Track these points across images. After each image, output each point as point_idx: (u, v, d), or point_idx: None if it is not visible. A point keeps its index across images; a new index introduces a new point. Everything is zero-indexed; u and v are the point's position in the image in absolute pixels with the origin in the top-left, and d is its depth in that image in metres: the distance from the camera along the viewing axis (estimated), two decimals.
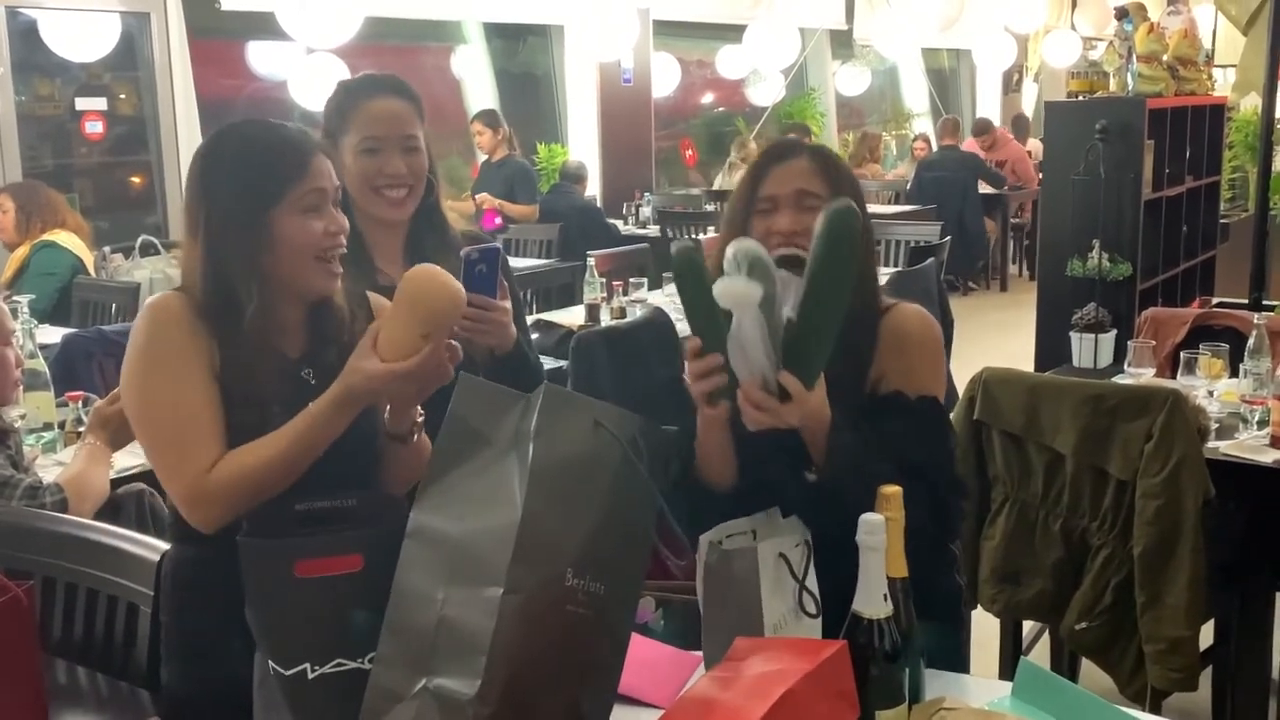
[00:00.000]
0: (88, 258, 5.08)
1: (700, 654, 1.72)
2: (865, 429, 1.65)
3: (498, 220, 7.15)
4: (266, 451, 1.59)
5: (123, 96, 6.83)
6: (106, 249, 5.28)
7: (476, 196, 7.28)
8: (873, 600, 1.37)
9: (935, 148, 10.45)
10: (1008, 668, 2.98)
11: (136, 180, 6.95)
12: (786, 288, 1.54)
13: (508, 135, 7.43)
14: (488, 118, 7.47)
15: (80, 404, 2.98)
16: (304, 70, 6.50)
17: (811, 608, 1.59)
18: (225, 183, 1.64)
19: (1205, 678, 2.74)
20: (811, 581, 1.61)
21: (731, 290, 1.47)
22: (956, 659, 1.93)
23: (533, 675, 1.31)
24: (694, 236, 7.22)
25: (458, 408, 1.41)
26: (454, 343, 1.62)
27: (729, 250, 1.51)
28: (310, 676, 1.41)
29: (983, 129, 10.96)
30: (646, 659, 1.68)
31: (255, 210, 1.63)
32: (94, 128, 6.69)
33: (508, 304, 2.03)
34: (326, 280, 1.68)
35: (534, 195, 7.41)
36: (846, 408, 1.63)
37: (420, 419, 1.69)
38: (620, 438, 1.40)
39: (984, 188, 10.00)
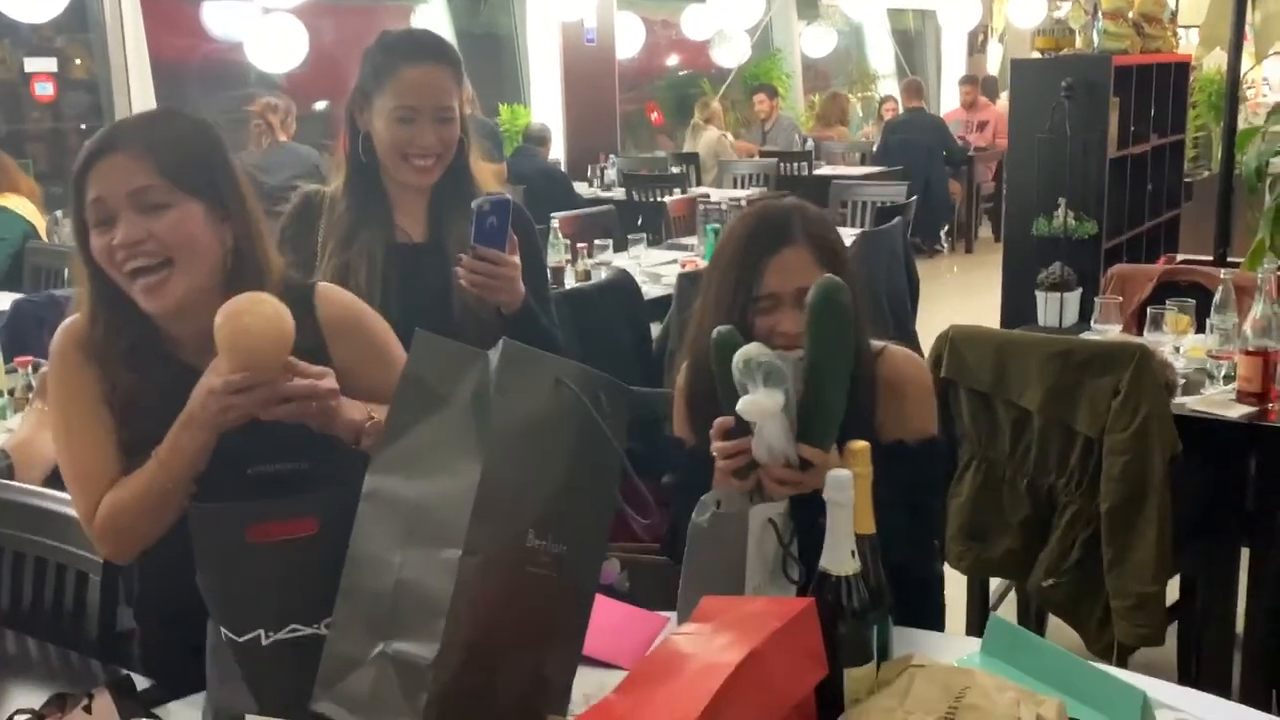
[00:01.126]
0: (40, 223, 4.99)
1: (666, 615, 1.70)
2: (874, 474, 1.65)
3: None
4: (136, 483, 1.53)
5: (77, 61, 6.70)
6: (59, 213, 5.18)
7: None
8: (840, 557, 1.35)
9: (901, 110, 10.44)
10: (975, 624, 2.98)
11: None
12: (789, 365, 1.56)
13: (470, 95, 7.31)
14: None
15: (30, 369, 2.91)
16: (261, 31, 6.38)
17: (795, 573, 1.57)
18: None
19: (1171, 632, 2.75)
20: (795, 548, 1.59)
21: (756, 406, 1.52)
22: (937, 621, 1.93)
23: (494, 638, 1.28)
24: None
25: (414, 365, 1.36)
26: (323, 379, 1.51)
27: (738, 360, 1.53)
28: (264, 643, 1.37)
29: (969, 80, 11.01)
30: (612, 621, 1.66)
31: (79, 228, 1.57)
32: (44, 89, 6.56)
33: (517, 259, 1.99)
34: (143, 296, 1.54)
35: (500, 155, 7.32)
36: None
37: (370, 424, 1.55)
38: (583, 395, 1.36)
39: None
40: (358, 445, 1.53)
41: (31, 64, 6.47)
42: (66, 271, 4.67)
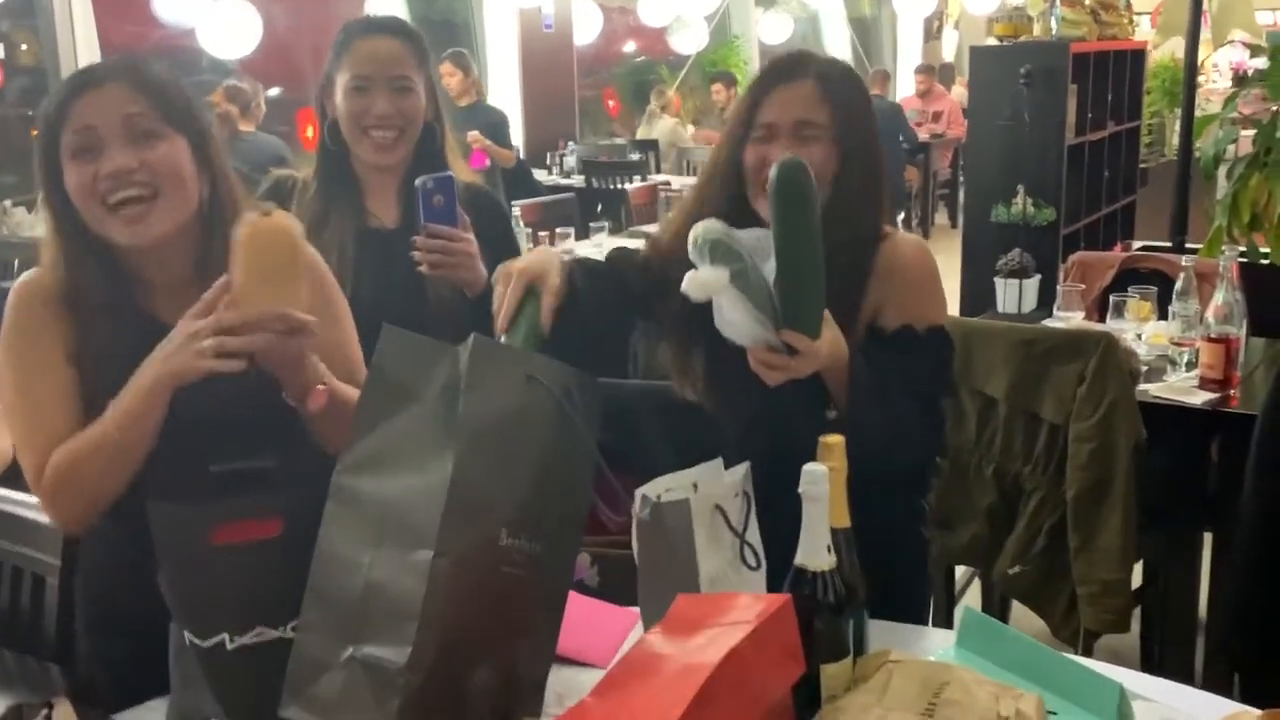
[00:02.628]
0: None
1: (636, 610, 1.68)
2: (880, 362, 1.62)
3: (486, 163, 6.92)
4: (86, 438, 1.47)
5: (24, 47, 6.57)
6: (7, 203, 5.09)
7: (468, 136, 6.96)
8: (816, 552, 1.33)
9: None
10: (941, 612, 2.99)
11: (37, 133, 6.69)
12: (767, 241, 1.50)
13: (476, 80, 7.18)
14: (459, 59, 7.12)
15: None
16: (213, 17, 6.28)
17: (752, 560, 1.55)
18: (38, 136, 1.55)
19: (1136, 618, 2.77)
20: (753, 534, 1.57)
21: (698, 282, 1.45)
22: (920, 612, 1.92)
23: (466, 640, 1.25)
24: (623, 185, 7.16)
25: (381, 360, 1.33)
26: (299, 321, 1.44)
27: (690, 237, 1.46)
28: (229, 647, 1.33)
29: (925, 70, 11.03)
30: (582, 617, 1.63)
31: (50, 169, 1.52)
32: None
33: (471, 236, 1.97)
34: (123, 228, 1.51)
35: (510, 140, 7.19)
36: (860, 341, 1.62)
37: (321, 388, 1.51)
38: (554, 390, 1.33)
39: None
40: (303, 407, 1.49)
41: None
42: (16, 262, 4.58)
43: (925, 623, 1.87)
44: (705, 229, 1.46)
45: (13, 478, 2.27)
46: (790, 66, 1.74)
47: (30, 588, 1.83)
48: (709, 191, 1.77)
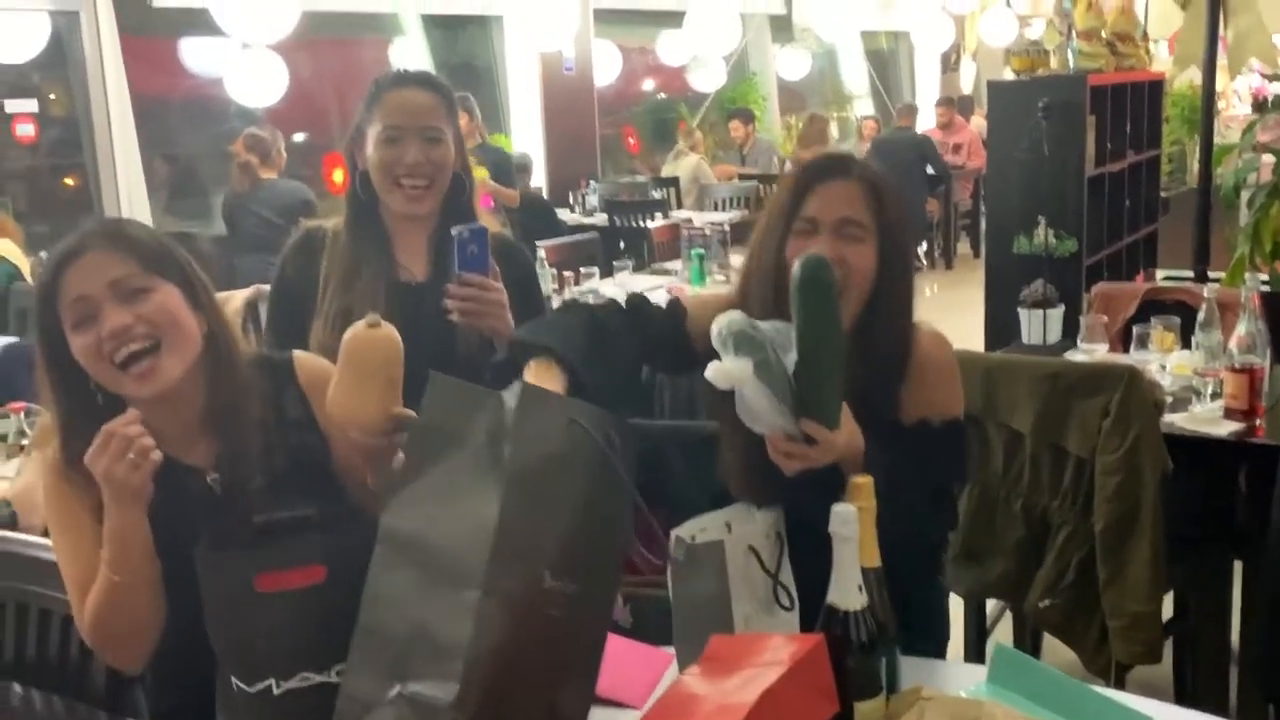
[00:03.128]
0: (24, 264, 4.96)
1: (671, 650, 1.70)
2: (897, 455, 1.64)
3: (492, 203, 6.99)
4: (98, 587, 1.55)
5: (53, 97, 6.68)
6: (43, 254, 5.15)
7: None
8: (847, 592, 1.36)
9: (890, 128, 10.52)
10: (973, 647, 3.00)
11: (71, 182, 6.80)
12: (785, 334, 1.54)
13: (479, 123, 7.30)
14: (464, 102, 7.26)
15: (22, 415, 2.90)
16: (240, 66, 6.38)
17: (786, 600, 1.57)
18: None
19: (1167, 649, 2.77)
20: (786, 574, 1.60)
21: (723, 373, 1.48)
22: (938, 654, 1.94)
23: (511, 680, 1.28)
24: (646, 222, 7.20)
25: (429, 407, 1.37)
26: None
27: (714, 329, 1.50)
28: (276, 692, 1.37)
29: (945, 102, 11.08)
30: (618, 657, 1.65)
31: (49, 341, 1.59)
32: (25, 130, 6.55)
33: (501, 286, 1.99)
34: (136, 384, 1.57)
35: (515, 181, 7.30)
36: (880, 433, 1.63)
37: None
38: (596, 435, 1.37)
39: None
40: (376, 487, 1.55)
41: (12, 105, 6.45)
42: None
43: (943, 657, 1.89)
44: (729, 321, 1.50)
45: None
46: (835, 165, 1.78)
47: (79, 635, 1.86)
48: (753, 283, 1.79)
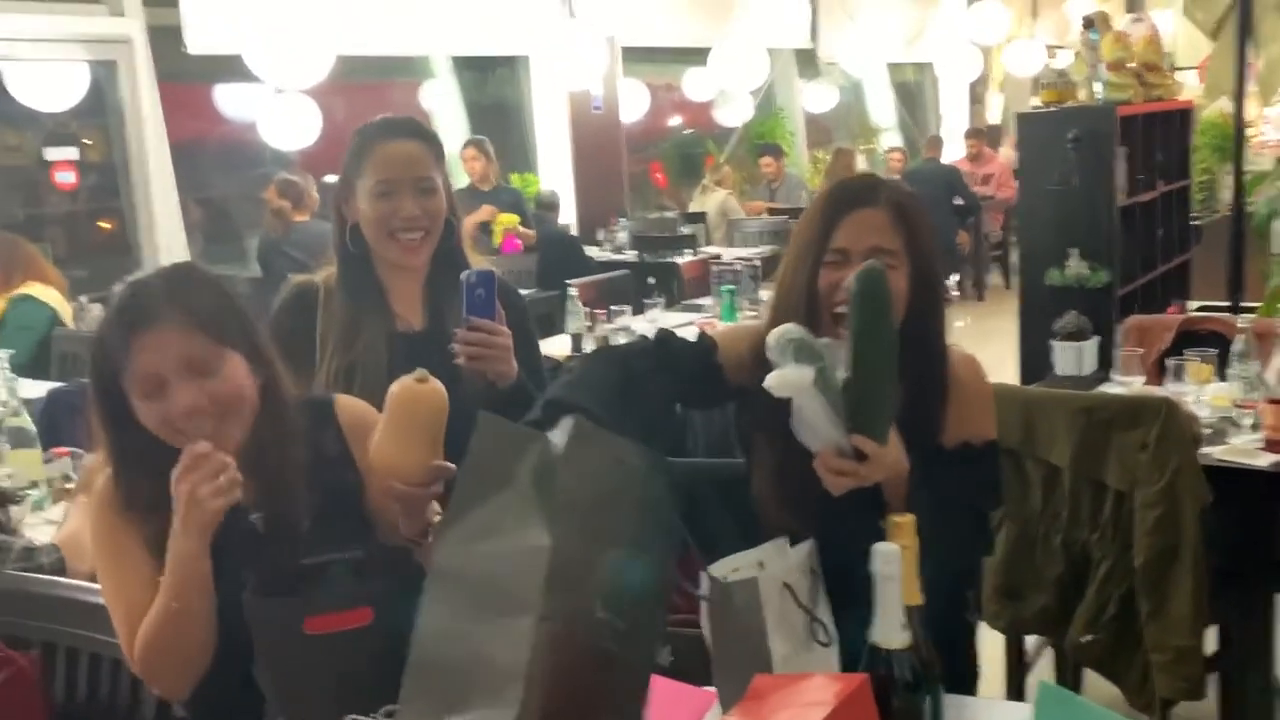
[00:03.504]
0: (65, 309, 5.03)
1: (711, 689, 1.71)
2: (938, 476, 1.66)
3: (520, 246, 7.04)
4: (151, 614, 1.57)
5: (89, 143, 6.79)
6: (84, 299, 5.23)
7: (501, 219, 7.11)
8: (891, 631, 1.36)
9: (918, 160, 10.53)
10: (1013, 683, 2.98)
11: (108, 226, 6.90)
12: (837, 351, 1.56)
13: (495, 165, 7.37)
14: (481, 145, 7.34)
15: (68, 460, 2.94)
16: (273, 111, 6.48)
17: (823, 636, 1.57)
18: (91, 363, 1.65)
19: (1211, 683, 2.74)
20: (823, 610, 1.60)
21: (785, 381, 1.50)
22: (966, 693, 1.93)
23: (566, 709, 1.29)
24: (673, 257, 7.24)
25: (478, 447, 1.39)
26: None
27: (770, 339, 1.52)
28: None
29: (974, 134, 11.09)
30: (661, 697, 1.65)
31: (108, 392, 1.62)
32: (65, 178, 6.65)
33: (507, 329, 2.01)
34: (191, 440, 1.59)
35: (531, 221, 7.36)
36: (924, 456, 1.65)
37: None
38: (642, 473, 1.39)
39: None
40: (419, 542, 1.57)
41: (52, 153, 6.56)
42: None
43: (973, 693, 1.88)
44: (786, 330, 1.52)
45: None
46: (861, 192, 1.79)
47: (129, 681, 1.88)
48: (782, 314, 1.79)
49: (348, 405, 1.80)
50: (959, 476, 1.68)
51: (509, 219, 6.96)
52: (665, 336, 1.86)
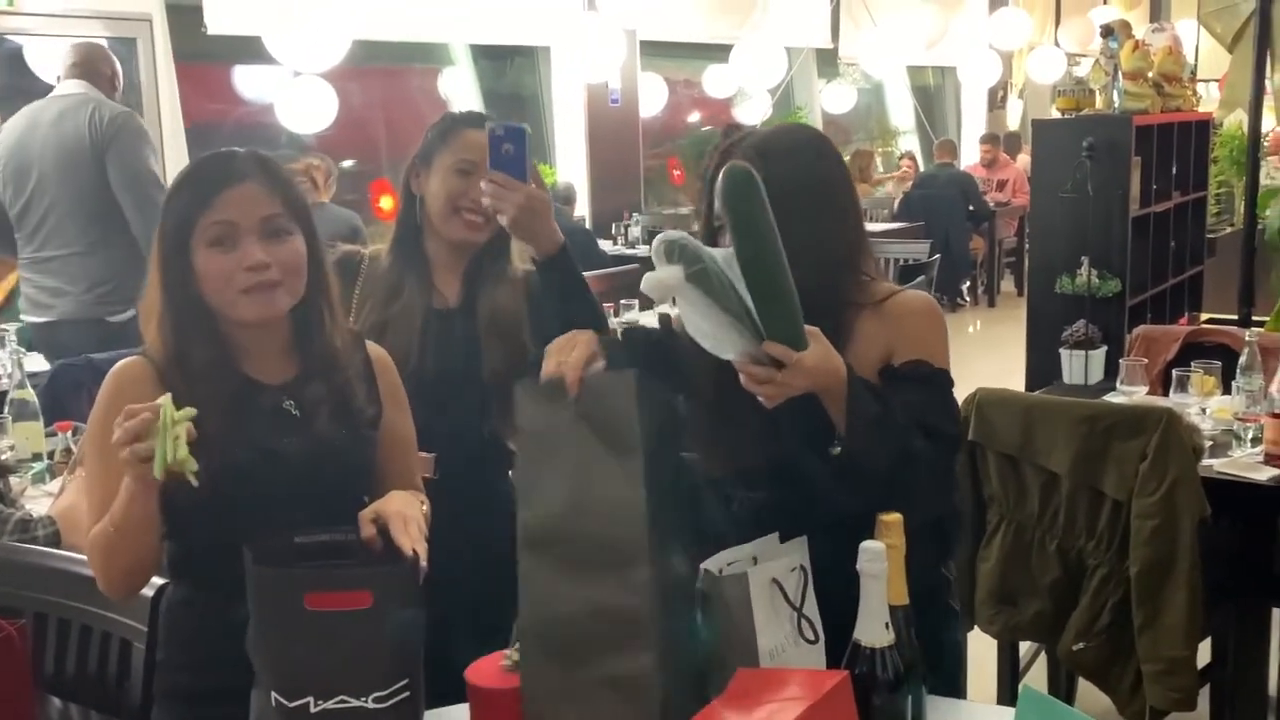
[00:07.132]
0: None
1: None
2: (888, 393, 1.63)
3: None
4: (100, 525, 1.60)
5: None
6: None
7: None
8: (874, 629, 1.36)
9: (932, 165, 10.51)
10: (1005, 689, 2.98)
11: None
12: (731, 263, 1.47)
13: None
14: None
15: (70, 434, 2.96)
16: (291, 94, 6.50)
17: (810, 634, 1.58)
18: (163, 215, 1.69)
19: (1204, 696, 2.74)
20: (810, 607, 1.60)
21: (655, 281, 1.44)
22: (953, 684, 1.92)
23: (679, 656, 1.38)
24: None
25: (524, 417, 1.45)
26: None
27: (653, 245, 1.47)
28: (313, 710, 1.39)
29: (989, 139, 11.07)
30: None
31: (176, 244, 1.65)
32: None
33: (534, 189, 1.97)
34: (249, 308, 1.66)
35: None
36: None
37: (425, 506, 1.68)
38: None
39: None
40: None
41: None
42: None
43: (962, 696, 1.88)
44: (664, 234, 1.45)
45: None
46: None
47: (118, 652, 1.90)
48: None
49: (374, 347, 1.87)
50: (909, 392, 1.63)
51: None
52: (628, 330, 1.84)
